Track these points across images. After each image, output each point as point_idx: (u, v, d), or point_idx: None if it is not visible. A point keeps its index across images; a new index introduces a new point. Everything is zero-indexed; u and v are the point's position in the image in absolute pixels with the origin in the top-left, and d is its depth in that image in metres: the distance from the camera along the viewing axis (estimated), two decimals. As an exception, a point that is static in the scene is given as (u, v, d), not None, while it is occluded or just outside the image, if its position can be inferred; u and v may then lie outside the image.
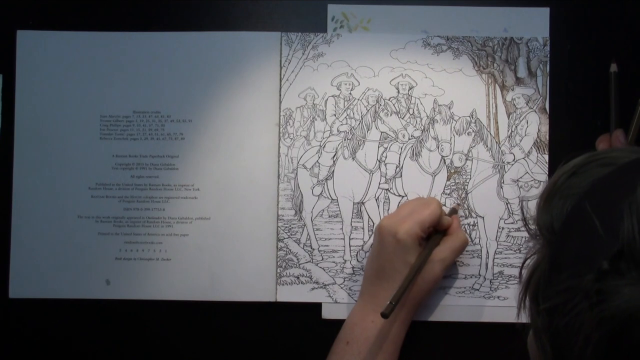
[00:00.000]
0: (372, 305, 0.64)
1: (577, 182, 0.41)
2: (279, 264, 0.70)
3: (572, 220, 0.40)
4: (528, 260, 0.44)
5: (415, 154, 0.71)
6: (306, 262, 0.70)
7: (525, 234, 0.69)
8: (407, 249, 0.63)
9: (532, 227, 0.44)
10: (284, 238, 0.70)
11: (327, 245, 0.70)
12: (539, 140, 0.70)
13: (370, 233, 0.70)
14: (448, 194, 0.70)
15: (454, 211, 0.69)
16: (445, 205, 0.70)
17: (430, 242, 0.65)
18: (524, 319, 0.43)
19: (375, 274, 0.65)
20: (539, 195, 0.44)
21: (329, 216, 0.71)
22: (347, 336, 0.64)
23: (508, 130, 0.70)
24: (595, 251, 0.36)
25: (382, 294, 0.63)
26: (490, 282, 0.69)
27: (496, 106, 0.71)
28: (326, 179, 0.71)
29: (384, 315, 0.59)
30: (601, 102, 0.70)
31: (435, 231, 0.67)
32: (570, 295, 0.36)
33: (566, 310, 0.36)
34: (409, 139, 0.71)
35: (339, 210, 0.71)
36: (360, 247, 0.70)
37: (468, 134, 0.70)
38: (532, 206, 0.66)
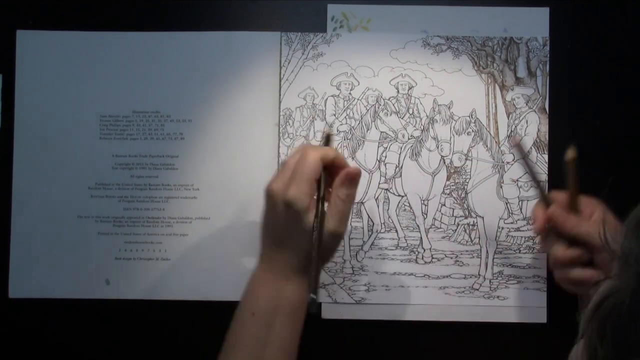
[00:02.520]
0: (273, 272, 0.60)
1: None
2: (278, 263, 0.70)
3: None
4: (603, 283, 0.40)
5: (415, 153, 0.71)
6: (306, 262, 0.70)
7: (525, 233, 0.69)
8: (302, 212, 0.58)
9: (616, 250, 0.40)
10: (284, 238, 0.70)
11: (326, 245, 0.70)
12: (538, 140, 0.70)
13: (370, 233, 0.70)
14: (448, 194, 0.70)
15: (327, 139, 0.64)
16: (445, 205, 0.70)
17: (321, 210, 0.60)
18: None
19: (271, 240, 0.61)
20: (628, 219, 0.40)
21: (329, 216, 0.70)
22: (252, 306, 0.60)
23: (508, 130, 0.70)
24: None
25: (281, 259, 0.60)
26: (490, 282, 0.69)
27: (496, 106, 0.71)
28: (326, 179, 0.71)
29: (315, 314, 0.58)
30: (601, 102, 0.70)
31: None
32: None
33: None
34: (409, 138, 0.71)
35: (339, 210, 0.70)
36: (360, 247, 0.70)
37: (468, 134, 0.70)
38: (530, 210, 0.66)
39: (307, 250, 0.59)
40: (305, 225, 0.58)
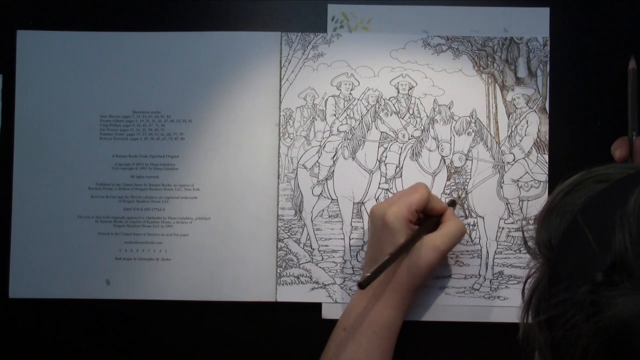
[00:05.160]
0: (367, 290, 0.63)
1: (573, 199, 0.42)
2: (279, 264, 0.70)
3: (568, 235, 0.40)
4: (530, 280, 0.45)
5: (415, 154, 0.71)
6: (306, 262, 0.70)
7: (526, 233, 0.69)
8: (395, 232, 0.62)
9: (532, 246, 0.45)
10: (284, 238, 0.70)
11: (327, 245, 0.70)
12: (538, 140, 0.70)
13: (370, 233, 0.70)
14: (448, 194, 0.70)
15: (452, 203, 0.69)
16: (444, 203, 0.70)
17: (422, 226, 0.65)
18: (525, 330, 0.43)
19: (369, 259, 0.65)
20: (537, 215, 0.45)
21: (329, 216, 0.71)
22: (344, 323, 0.65)
23: (508, 130, 0.70)
24: (589, 264, 0.37)
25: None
26: (490, 282, 0.70)
27: (496, 106, 0.71)
28: (326, 179, 0.71)
29: (360, 285, 0.58)
30: (601, 102, 0.70)
31: (428, 217, 0.66)
32: (566, 307, 0.37)
33: (563, 322, 0.37)
34: (409, 139, 0.71)
35: (339, 210, 0.71)
36: (360, 247, 0.70)
37: (468, 134, 0.70)
38: (531, 211, 0.68)
39: (398, 269, 0.63)
40: (396, 244, 0.62)
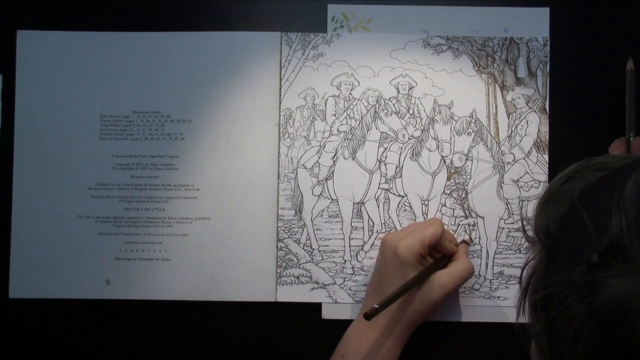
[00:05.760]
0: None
1: (571, 187, 0.43)
2: (279, 264, 0.70)
3: (565, 220, 0.41)
4: (527, 267, 0.45)
5: (415, 154, 0.71)
6: (306, 262, 0.70)
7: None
8: (405, 265, 0.63)
9: (530, 233, 0.46)
10: (284, 238, 0.70)
11: (327, 245, 0.70)
12: (538, 140, 0.70)
13: (370, 233, 0.70)
14: (448, 194, 0.70)
15: (463, 242, 0.69)
16: (445, 205, 0.70)
17: (433, 263, 0.65)
18: (522, 321, 0.44)
19: (374, 288, 0.66)
20: (536, 202, 0.46)
21: (329, 216, 0.71)
22: (343, 349, 0.65)
23: (508, 130, 0.70)
24: (585, 246, 0.37)
25: None
26: (490, 282, 0.70)
27: (496, 106, 0.71)
28: (326, 179, 0.71)
29: (366, 316, 0.59)
30: (601, 102, 0.70)
31: (442, 255, 0.67)
32: (561, 287, 0.38)
33: (558, 302, 0.38)
34: (409, 139, 0.71)
35: (339, 210, 0.71)
36: (360, 247, 0.70)
37: (468, 134, 0.70)
38: (530, 211, 0.69)
39: (401, 302, 0.63)
40: (406, 278, 0.62)
